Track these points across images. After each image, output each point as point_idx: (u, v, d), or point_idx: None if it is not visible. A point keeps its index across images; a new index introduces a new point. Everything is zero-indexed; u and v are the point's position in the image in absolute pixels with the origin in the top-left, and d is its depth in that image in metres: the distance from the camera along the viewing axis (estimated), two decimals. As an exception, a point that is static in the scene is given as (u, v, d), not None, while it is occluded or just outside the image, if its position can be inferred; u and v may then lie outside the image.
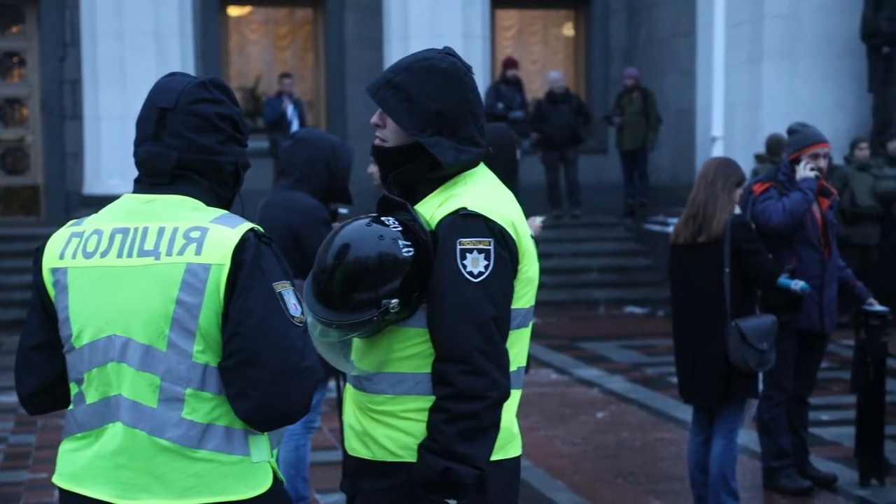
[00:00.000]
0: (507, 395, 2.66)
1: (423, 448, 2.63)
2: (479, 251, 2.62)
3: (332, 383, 5.78)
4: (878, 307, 6.24)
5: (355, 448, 2.79)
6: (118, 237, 2.50)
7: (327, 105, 16.72)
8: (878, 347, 6.20)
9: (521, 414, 2.86)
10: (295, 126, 14.10)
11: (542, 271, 13.21)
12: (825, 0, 13.26)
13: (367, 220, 2.71)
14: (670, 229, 5.75)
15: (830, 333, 6.35)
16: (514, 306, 2.70)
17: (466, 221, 2.63)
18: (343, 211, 5.29)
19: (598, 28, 17.47)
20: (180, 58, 14.13)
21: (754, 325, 5.33)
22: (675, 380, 5.73)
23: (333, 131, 14.47)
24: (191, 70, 14.04)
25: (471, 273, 2.61)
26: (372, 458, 2.74)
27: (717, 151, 12.59)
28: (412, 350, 2.68)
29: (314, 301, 2.68)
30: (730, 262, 5.34)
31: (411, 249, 2.63)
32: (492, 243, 2.63)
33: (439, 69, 2.72)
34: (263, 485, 2.52)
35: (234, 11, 16.94)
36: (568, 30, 18.00)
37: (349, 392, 2.84)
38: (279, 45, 17.21)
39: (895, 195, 11.57)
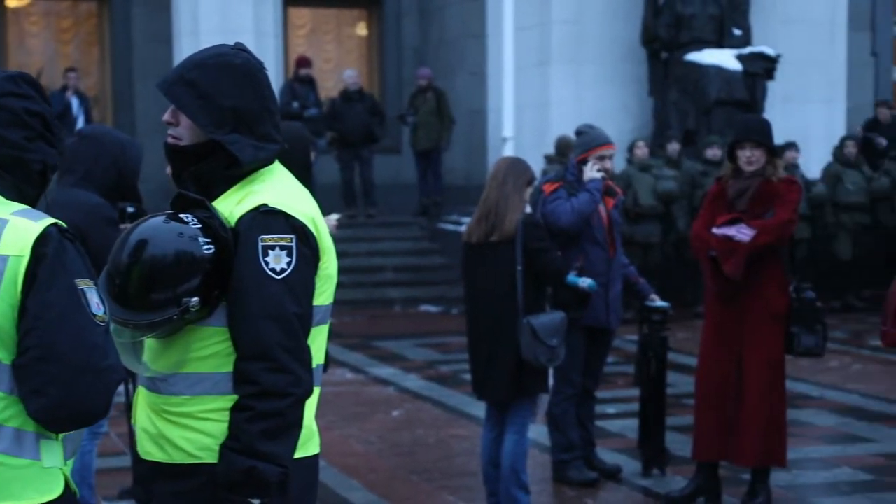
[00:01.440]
0: (310, 392, 2.66)
1: (225, 448, 2.59)
2: (282, 248, 2.61)
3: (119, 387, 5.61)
4: (659, 303, 6.49)
5: (149, 451, 2.72)
6: None
7: (114, 101, 16.25)
8: (659, 342, 6.45)
9: (317, 413, 2.85)
10: (81, 122, 13.64)
11: (338, 270, 13.11)
12: (608, 6, 13.72)
13: (164, 217, 2.65)
14: (464, 228, 5.84)
15: (616, 329, 6.57)
16: (314, 303, 2.70)
17: (268, 218, 2.62)
18: (131, 210, 5.14)
19: (390, 28, 17.56)
20: (-45, 49, 13.47)
21: (545, 322, 5.46)
22: (468, 377, 5.82)
23: (121, 128, 14.05)
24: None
25: (273, 270, 2.59)
26: (168, 460, 2.68)
27: (508, 151, 12.84)
28: (211, 349, 2.64)
29: (109, 301, 2.61)
30: (521, 260, 5.45)
31: (211, 247, 2.59)
32: (294, 240, 2.63)
33: (234, 65, 2.69)
34: (53, 491, 2.42)
35: (11, 2, 16.26)
36: (361, 29, 18.04)
37: (141, 394, 2.77)
38: (62, 39, 16.62)
39: (675, 195, 12.07)
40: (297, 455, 2.67)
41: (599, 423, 7.20)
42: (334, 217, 5.47)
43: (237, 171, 2.71)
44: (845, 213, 12.52)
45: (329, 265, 2.75)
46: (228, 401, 2.63)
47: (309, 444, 2.76)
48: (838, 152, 12.75)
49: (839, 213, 12.53)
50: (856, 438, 7.25)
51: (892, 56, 16.37)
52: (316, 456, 2.80)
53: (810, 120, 13.92)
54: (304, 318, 2.65)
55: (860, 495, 6.07)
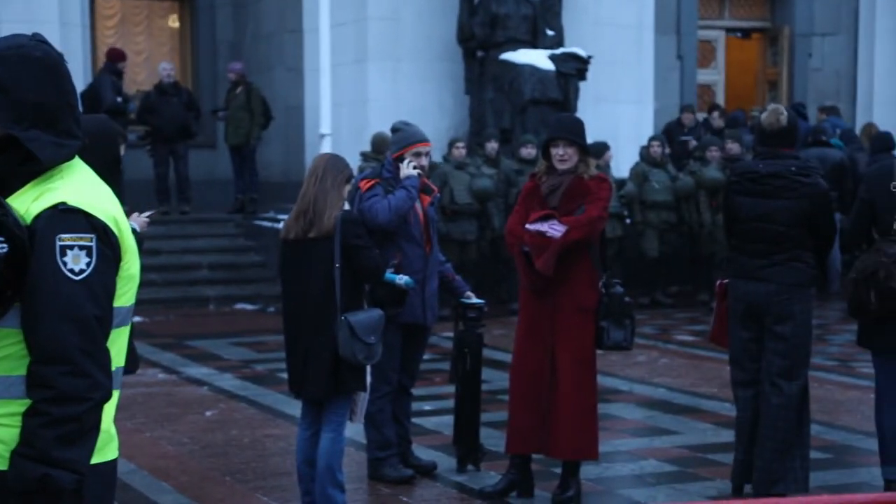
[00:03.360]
0: (109, 396, 2.58)
1: (17, 455, 2.48)
2: (81, 248, 2.52)
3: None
4: (474, 300, 6.56)
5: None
6: None
7: None
8: (474, 338, 6.51)
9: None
10: None
11: (150, 268, 12.77)
12: (425, 4, 13.79)
13: (-46, 215, 2.51)
14: (281, 225, 5.76)
15: (432, 326, 6.60)
16: (115, 304, 2.61)
17: (67, 216, 2.52)
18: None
19: (203, 21, 17.24)
20: None
21: (363, 320, 5.44)
22: (285, 375, 5.75)
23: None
24: None
25: (72, 270, 2.50)
26: (-42, 467, 2.55)
27: (326, 148, 12.74)
28: (4, 351, 2.53)
29: None
30: (339, 257, 5.42)
31: (5, 246, 2.47)
32: (94, 239, 2.54)
33: (34, 58, 2.58)
34: None
35: None
36: (173, 21, 17.65)
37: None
38: None
39: (490, 193, 12.22)
40: (93, 461, 2.59)
41: (416, 420, 7.22)
42: (143, 215, 5.32)
43: (34, 168, 2.60)
44: (652, 212, 12.92)
45: (131, 265, 2.67)
46: (21, 405, 2.52)
47: (107, 448, 2.67)
48: (645, 152, 13.15)
49: (646, 212, 12.93)
50: (662, 431, 7.47)
51: (696, 59, 16.97)
52: (114, 461, 2.72)
53: (620, 120, 14.32)
54: (104, 321, 2.56)
55: (665, 486, 6.26)
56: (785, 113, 5.92)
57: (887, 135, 14.10)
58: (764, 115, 5.98)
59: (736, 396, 6.03)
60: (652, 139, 13.22)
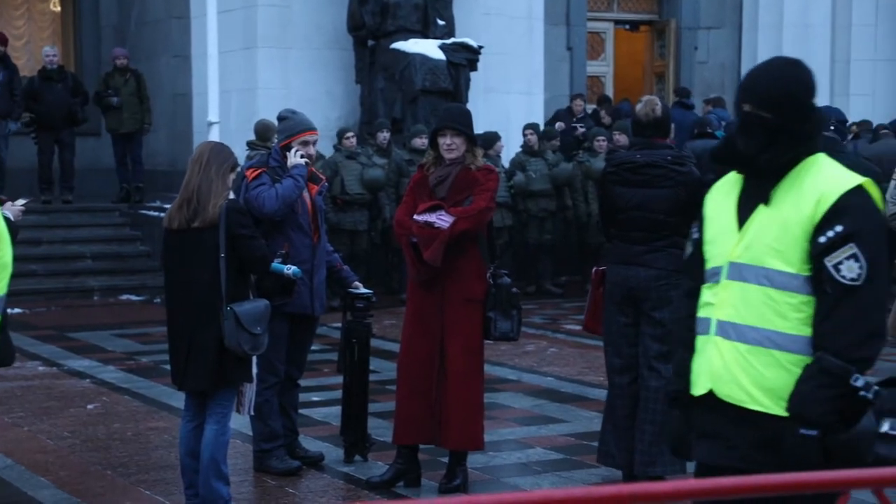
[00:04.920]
0: None
1: None
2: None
3: None
4: (363, 290, 6.53)
5: None
6: None
7: None
8: (362, 329, 6.48)
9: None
10: None
11: (32, 259, 12.49)
12: (315, -8, 13.69)
13: None
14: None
15: (320, 316, 6.56)
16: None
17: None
18: None
19: (87, 5, 16.84)
20: None
21: (249, 310, 5.37)
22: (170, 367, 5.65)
23: None
24: None
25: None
26: None
27: (214, 136, 12.54)
28: None
29: None
30: (225, 246, 5.33)
31: None
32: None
33: None
34: None
35: None
36: (54, 5, 17.19)
37: None
38: None
39: (381, 183, 12.19)
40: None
41: (304, 411, 7.17)
42: (19, 203, 5.17)
43: None
44: (531, 200, 13.03)
45: (3, 254, 2.58)
46: None
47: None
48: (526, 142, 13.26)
49: (526, 201, 13.04)
50: (549, 419, 7.53)
51: (586, 50, 17.14)
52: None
53: (511, 110, 14.39)
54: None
55: (550, 474, 6.31)
56: (659, 104, 6.04)
57: (769, 127, 14.43)
58: (639, 107, 6.10)
59: (612, 383, 6.10)
60: (526, 128, 13.30)
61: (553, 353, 9.90)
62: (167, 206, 7.28)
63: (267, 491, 6.05)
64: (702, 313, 3.28)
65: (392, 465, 6.08)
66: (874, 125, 13.52)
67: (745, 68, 17.36)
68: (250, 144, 12.03)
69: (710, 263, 3.28)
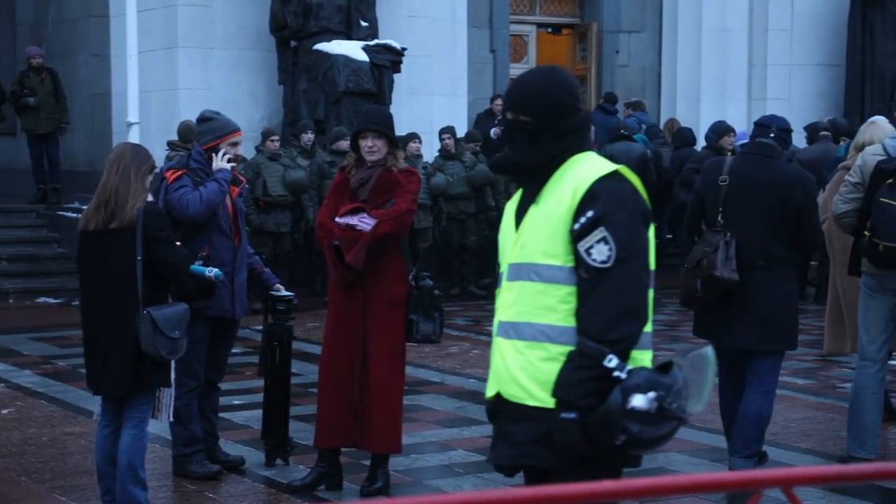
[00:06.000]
0: None
1: None
2: None
3: None
4: (284, 292, 6.49)
5: None
6: None
7: None
8: (283, 331, 6.44)
9: None
10: None
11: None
12: (236, -9, 13.59)
13: None
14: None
15: (241, 319, 6.50)
16: None
17: None
18: None
19: (2, 3, 16.53)
20: None
21: (167, 314, 5.32)
22: (86, 371, 5.56)
23: None
24: None
25: None
26: None
27: (134, 137, 12.36)
28: None
29: None
30: (142, 249, 5.27)
31: None
32: None
33: None
34: None
35: None
36: (-31, 3, 16.87)
37: None
38: None
39: (304, 185, 12.13)
40: None
41: (225, 414, 7.11)
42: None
43: None
44: (450, 203, 13.07)
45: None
46: None
47: None
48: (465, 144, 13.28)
49: (446, 203, 13.07)
50: (471, 421, 7.55)
51: (509, 53, 17.22)
52: None
53: (435, 112, 14.39)
54: None
55: (472, 476, 6.33)
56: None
57: (688, 130, 14.64)
58: None
59: None
60: (442, 132, 13.32)
61: (476, 354, 9.92)
62: (85, 207, 7.21)
63: (186, 496, 5.98)
64: (494, 318, 3.36)
65: (313, 468, 6.05)
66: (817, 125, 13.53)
67: (666, 72, 17.59)
68: (171, 145, 11.91)
69: (500, 269, 3.37)
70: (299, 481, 6.02)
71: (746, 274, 5.84)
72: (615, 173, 3.20)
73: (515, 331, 3.24)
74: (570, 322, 3.16)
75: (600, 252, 3.11)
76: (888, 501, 5.79)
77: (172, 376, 5.50)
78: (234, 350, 6.73)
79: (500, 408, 3.30)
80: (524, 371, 3.20)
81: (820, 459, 6.49)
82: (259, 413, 6.71)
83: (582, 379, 3.08)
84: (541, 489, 2.01)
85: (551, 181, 3.25)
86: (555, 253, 3.18)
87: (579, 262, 3.14)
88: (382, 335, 5.90)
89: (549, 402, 3.15)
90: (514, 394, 3.24)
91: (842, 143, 12.12)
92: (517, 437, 3.24)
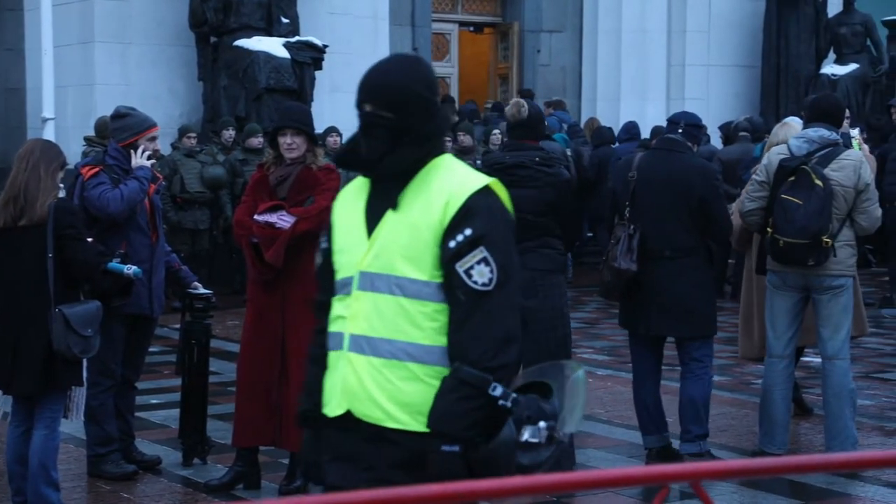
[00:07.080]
0: None
1: None
2: None
3: None
4: (202, 290, 6.43)
5: None
6: None
7: None
8: (201, 329, 6.38)
9: None
10: None
11: None
12: (152, -14, 13.45)
13: None
14: None
15: (158, 317, 6.43)
16: None
17: None
18: None
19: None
20: None
21: (79, 312, 5.26)
22: (-3, 371, 5.45)
23: None
24: None
25: None
26: None
27: (49, 133, 12.20)
28: None
29: None
30: (53, 247, 5.20)
31: None
32: None
33: None
34: None
35: None
36: None
37: None
38: None
39: (222, 182, 12.01)
40: None
41: (143, 414, 7.03)
42: None
43: None
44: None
45: None
46: None
47: None
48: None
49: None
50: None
51: (431, 51, 17.24)
52: None
53: (353, 110, 14.32)
54: None
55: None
56: (525, 106, 6.19)
57: (608, 129, 14.77)
58: (507, 108, 6.31)
59: None
60: (328, 131, 13.21)
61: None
62: None
63: (100, 496, 5.90)
64: (334, 327, 3.10)
65: (231, 467, 6.00)
66: (733, 123, 13.62)
67: (586, 72, 17.75)
68: (88, 140, 11.74)
69: (341, 274, 3.10)
70: (217, 480, 5.97)
71: (653, 264, 6.04)
72: (488, 188, 3.02)
73: (371, 346, 3.00)
74: (437, 341, 2.97)
75: (481, 274, 2.95)
76: (797, 494, 5.90)
77: (84, 375, 5.43)
78: (151, 349, 6.66)
79: (345, 426, 3.04)
80: (383, 391, 2.97)
81: (734, 454, 6.60)
82: (176, 412, 6.65)
83: (466, 410, 2.90)
84: (450, 486, 2.02)
85: (413, 186, 3.03)
86: (421, 267, 2.97)
87: (456, 282, 2.95)
88: (301, 333, 5.87)
89: (411, 424, 2.96)
90: (370, 414, 2.99)
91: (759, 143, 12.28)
92: (372, 461, 3.01)
